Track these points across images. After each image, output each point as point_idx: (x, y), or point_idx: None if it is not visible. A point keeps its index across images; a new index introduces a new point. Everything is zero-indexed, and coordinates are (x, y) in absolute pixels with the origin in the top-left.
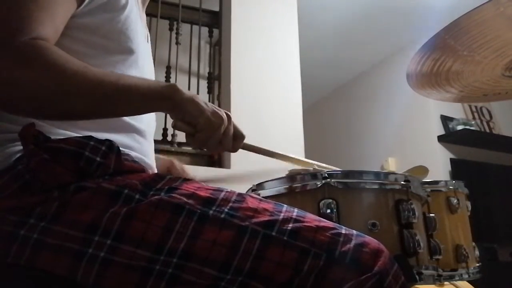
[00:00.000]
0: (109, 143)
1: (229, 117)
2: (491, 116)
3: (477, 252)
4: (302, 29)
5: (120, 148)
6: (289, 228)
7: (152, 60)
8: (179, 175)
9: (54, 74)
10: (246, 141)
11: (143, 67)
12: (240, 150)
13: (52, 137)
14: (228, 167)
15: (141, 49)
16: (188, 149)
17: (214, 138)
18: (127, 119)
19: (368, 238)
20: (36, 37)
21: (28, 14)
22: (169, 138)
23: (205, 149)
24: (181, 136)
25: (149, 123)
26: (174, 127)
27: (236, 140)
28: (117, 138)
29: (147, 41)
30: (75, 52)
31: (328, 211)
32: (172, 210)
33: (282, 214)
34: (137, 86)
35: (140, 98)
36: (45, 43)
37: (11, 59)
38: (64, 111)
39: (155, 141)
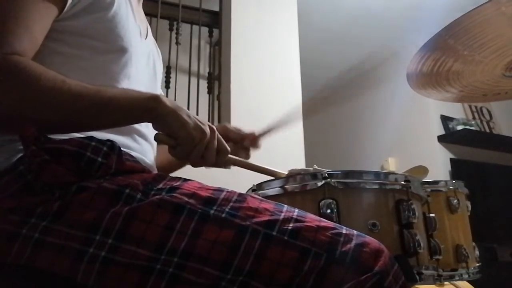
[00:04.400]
0: (111, 144)
1: (213, 130)
2: (491, 116)
3: (477, 252)
4: (302, 29)
5: (121, 149)
6: (289, 228)
7: (153, 57)
8: (236, 134)
9: (28, 89)
10: None
11: (137, 65)
12: None
13: (53, 137)
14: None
15: (134, 47)
16: None
17: (195, 152)
18: None
19: (369, 238)
20: (11, 52)
21: (3, 28)
22: None
23: (188, 163)
24: None
25: (148, 125)
26: (156, 139)
27: (220, 155)
28: (117, 138)
29: (145, 38)
30: (63, 55)
31: (328, 211)
32: (173, 210)
33: (282, 214)
34: (117, 98)
35: (121, 110)
36: (19, 58)
37: None
38: (43, 126)
39: None
